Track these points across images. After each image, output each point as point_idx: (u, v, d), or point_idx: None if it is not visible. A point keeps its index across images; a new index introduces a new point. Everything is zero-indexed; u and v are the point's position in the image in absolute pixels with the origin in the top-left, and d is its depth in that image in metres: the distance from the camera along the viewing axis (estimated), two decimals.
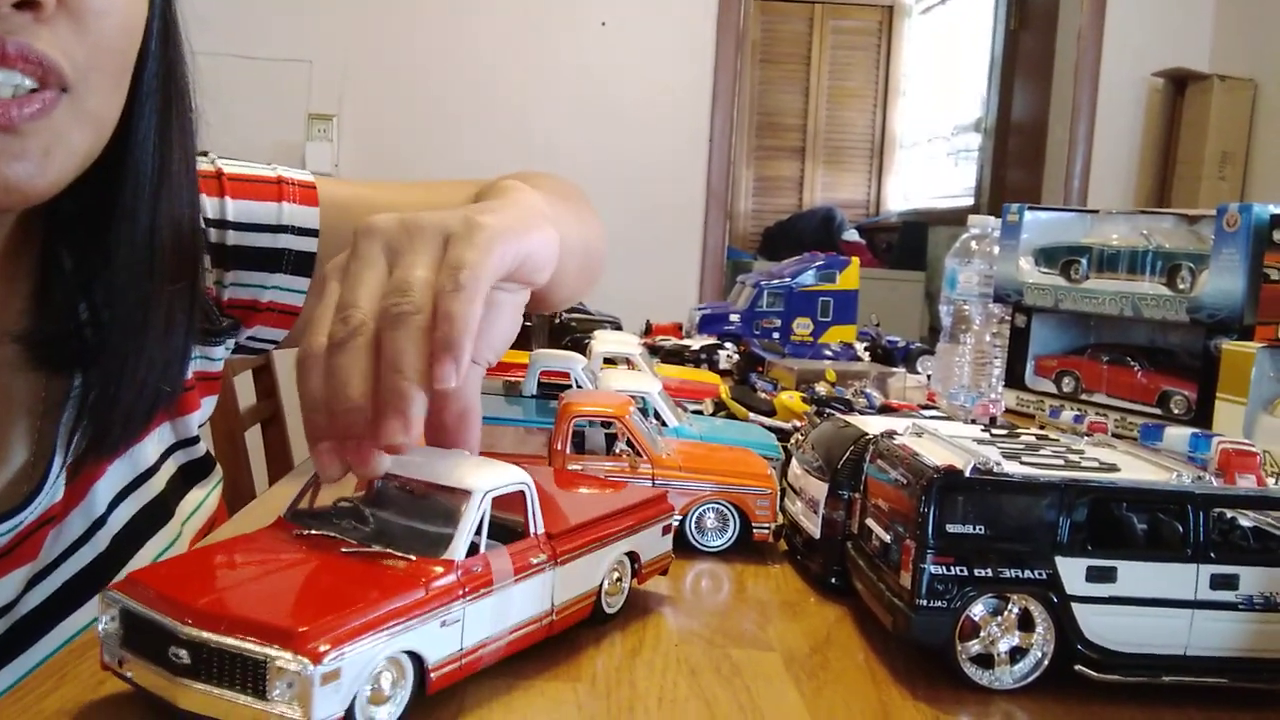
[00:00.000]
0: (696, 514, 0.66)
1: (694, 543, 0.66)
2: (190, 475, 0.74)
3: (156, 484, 0.69)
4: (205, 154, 0.74)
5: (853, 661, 0.50)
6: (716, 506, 0.66)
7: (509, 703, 0.43)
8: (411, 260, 0.47)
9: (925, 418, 0.79)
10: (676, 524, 0.65)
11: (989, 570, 0.48)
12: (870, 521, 0.55)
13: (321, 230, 0.76)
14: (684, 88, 3.50)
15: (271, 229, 0.75)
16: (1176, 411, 1.08)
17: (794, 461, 0.68)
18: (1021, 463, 0.50)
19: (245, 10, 3.25)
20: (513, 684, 0.45)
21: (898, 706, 0.45)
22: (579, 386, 0.84)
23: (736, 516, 0.67)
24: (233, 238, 0.73)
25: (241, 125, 3.29)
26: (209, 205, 0.72)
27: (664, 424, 0.79)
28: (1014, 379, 1.25)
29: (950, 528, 0.48)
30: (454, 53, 3.40)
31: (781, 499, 0.68)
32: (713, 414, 1.01)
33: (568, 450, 0.67)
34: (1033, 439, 0.58)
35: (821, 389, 1.01)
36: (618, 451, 0.67)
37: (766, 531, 0.67)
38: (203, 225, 0.71)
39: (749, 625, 0.55)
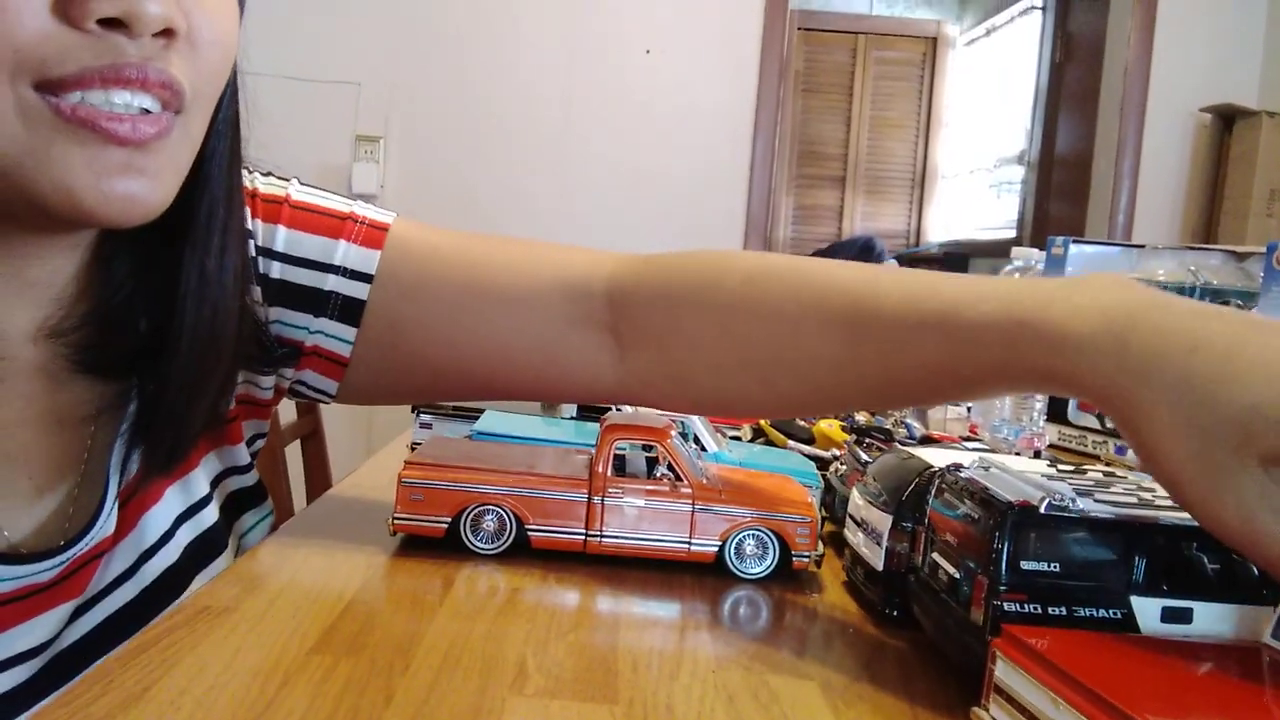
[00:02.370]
0: (736, 540, 0.66)
1: (733, 570, 0.66)
2: (242, 502, 0.74)
3: (210, 514, 0.69)
4: (287, 179, 0.72)
5: (891, 692, 0.50)
6: (756, 533, 0.66)
7: None
8: None
9: (969, 449, 0.78)
10: (716, 550, 0.66)
11: (1063, 609, 0.47)
12: (937, 556, 0.54)
13: (377, 276, 0.70)
14: (726, 116, 3.51)
15: (320, 267, 0.70)
16: None
17: (855, 492, 0.67)
18: (1095, 499, 0.49)
19: (294, 32, 3.31)
20: (549, 704, 0.45)
21: None
22: (619, 410, 0.84)
23: (776, 544, 0.66)
24: (277, 270, 0.70)
25: (289, 147, 3.35)
26: (261, 231, 0.69)
27: (703, 449, 0.79)
28: (1056, 413, 1.24)
29: (1024, 564, 0.47)
30: (500, 77, 3.44)
31: (821, 525, 0.67)
32: (751, 440, 1.01)
33: (608, 473, 0.67)
34: (1100, 475, 0.57)
35: (861, 418, 1.00)
36: (658, 475, 0.67)
37: (806, 560, 0.66)
38: (253, 251, 0.69)
39: (787, 653, 0.55)
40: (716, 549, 0.66)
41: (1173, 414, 0.44)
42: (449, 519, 0.66)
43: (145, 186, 0.52)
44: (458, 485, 0.66)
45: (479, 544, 0.66)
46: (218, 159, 0.61)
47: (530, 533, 0.66)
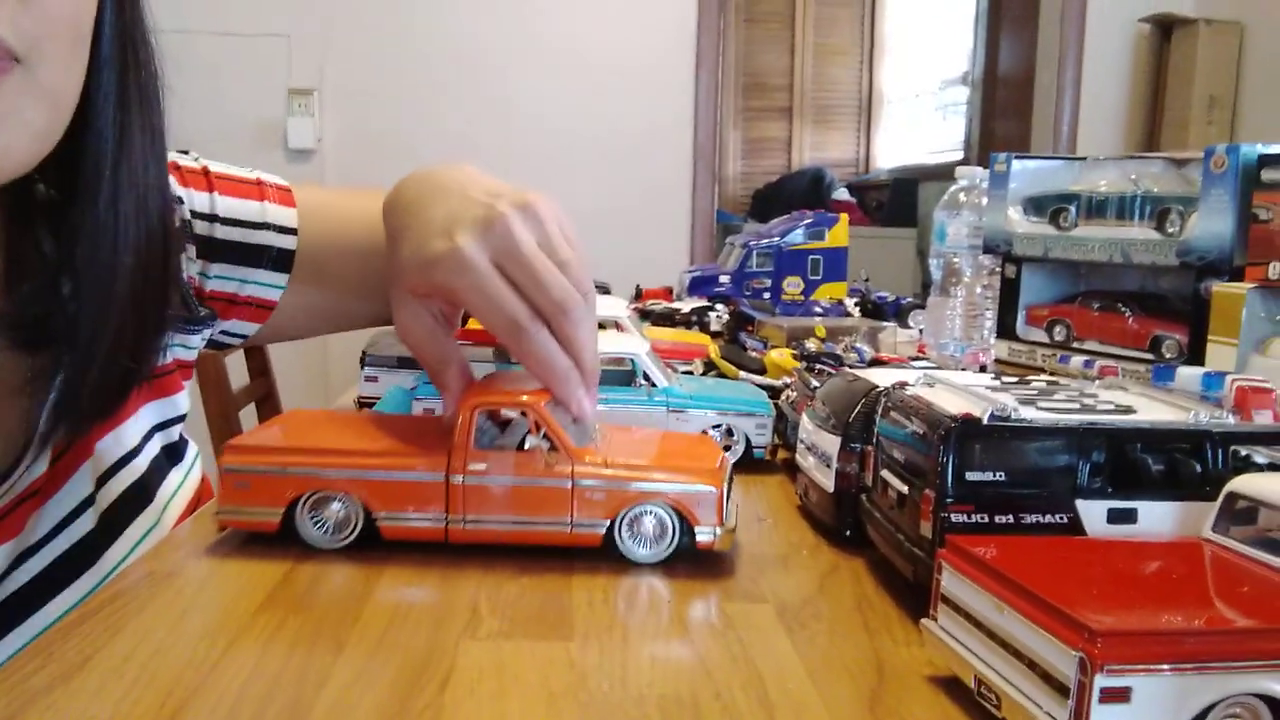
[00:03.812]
0: (626, 518, 0.56)
1: (622, 551, 0.56)
2: (170, 456, 0.75)
3: (140, 465, 0.70)
4: (187, 152, 0.77)
5: (845, 611, 0.50)
6: (650, 509, 0.56)
7: (499, 661, 0.43)
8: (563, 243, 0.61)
9: (915, 369, 0.79)
10: (602, 532, 0.56)
11: (1010, 517, 0.48)
12: (886, 473, 0.55)
13: (300, 229, 0.80)
14: (667, 50, 3.47)
15: (255, 225, 0.78)
16: (1169, 356, 1.08)
17: (804, 418, 0.67)
18: (1037, 408, 0.49)
19: None
20: (502, 645, 0.45)
21: (889, 653, 0.45)
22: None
23: (675, 521, 0.56)
24: (220, 231, 0.77)
25: (222, 103, 3.29)
26: (199, 199, 0.76)
27: (653, 385, 0.78)
28: (1005, 329, 1.25)
29: (969, 476, 0.47)
30: (434, 20, 3.37)
31: (775, 453, 0.67)
32: (703, 374, 1.00)
33: (470, 446, 0.56)
34: (1044, 385, 0.57)
35: (811, 345, 1.00)
36: (528, 447, 0.57)
37: (710, 539, 0.56)
38: (189, 215, 0.74)
39: (742, 579, 0.55)
40: (603, 530, 0.56)
41: (391, 252, 0.64)
42: (280, 510, 0.56)
43: None
44: (288, 470, 0.56)
45: (321, 537, 0.56)
46: (100, 104, 0.58)
47: (380, 522, 0.56)
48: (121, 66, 0.59)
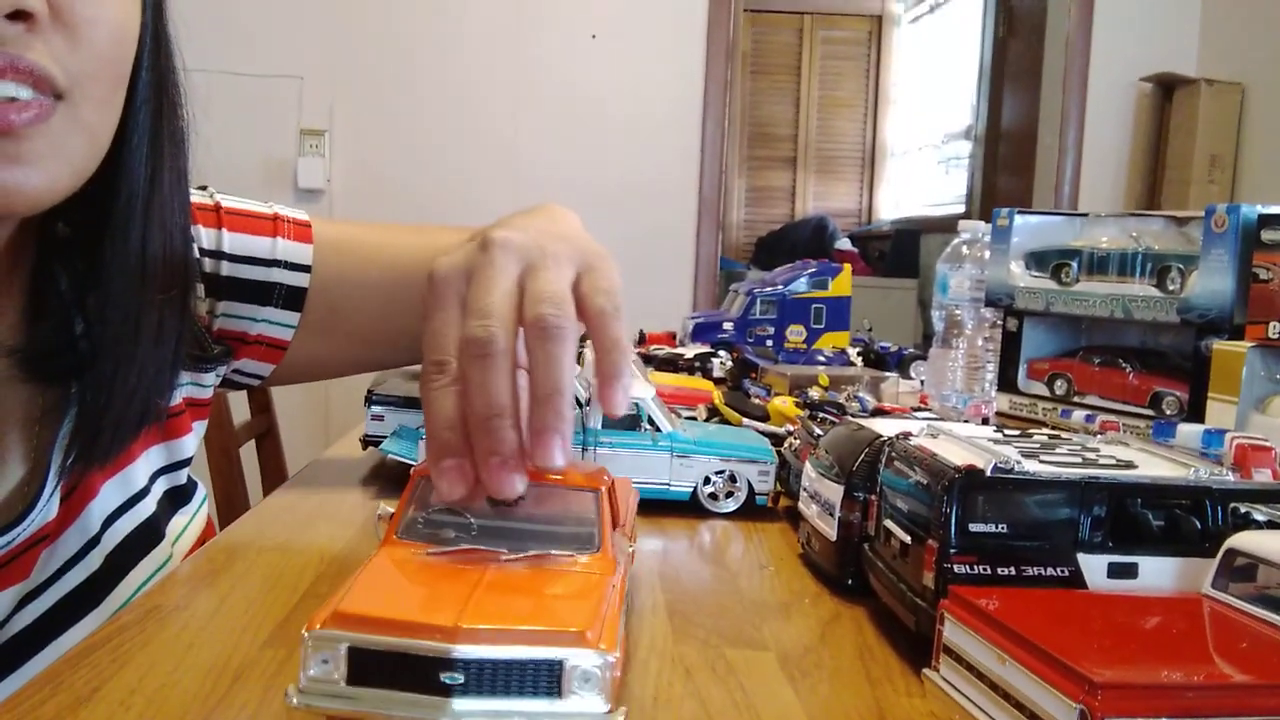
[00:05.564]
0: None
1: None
2: (175, 500, 0.75)
3: (147, 506, 0.70)
4: (204, 188, 0.76)
5: (847, 660, 0.50)
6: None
7: None
8: (556, 275, 0.46)
9: (918, 419, 0.79)
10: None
11: (1012, 569, 0.48)
12: (889, 523, 0.55)
13: (314, 267, 0.78)
14: (675, 99, 3.51)
15: (265, 263, 0.76)
16: (1169, 412, 1.08)
17: (808, 466, 0.68)
18: (1040, 461, 0.50)
19: (235, 26, 3.25)
20: None
21: (891, 703, 0.46)
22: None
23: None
24: (226, 269, 0.75)
25: (233, 142, 3.32)
26: (206, 236, 0.74)
27: (658, 430, 0.79)
28: (1006, 382, 1.25)
29: (972, 527, 0.48)
30: (445, 66, 3.41)
31: (777, 500, 0.67)
32: (706, 420, 1.01)
33: (396, 533, 0.44)
34: (1046, 438, 0.58)
35: (814, 393, 1.01)
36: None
37: None
38: (197, 253, 0.73)
39: (744, 625, 0.55)
40: None
41: None
42: None
43: (23, 174, 0.51)
44: None
45: None
46: (134, 144, 0.60)
47: None
48: (156, 108, 0.61)
